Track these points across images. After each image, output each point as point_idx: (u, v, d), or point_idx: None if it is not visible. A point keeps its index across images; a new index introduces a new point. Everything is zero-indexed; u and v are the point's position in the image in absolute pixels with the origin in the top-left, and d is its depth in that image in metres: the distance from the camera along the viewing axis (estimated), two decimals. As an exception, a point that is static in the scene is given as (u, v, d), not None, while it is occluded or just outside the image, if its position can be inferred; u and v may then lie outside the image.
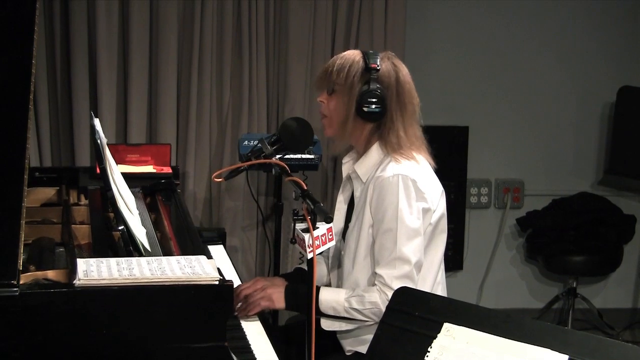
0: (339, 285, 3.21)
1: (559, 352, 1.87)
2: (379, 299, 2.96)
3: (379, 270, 2.98)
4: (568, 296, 5.49)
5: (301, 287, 3.11)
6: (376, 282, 2.98)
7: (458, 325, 2.00)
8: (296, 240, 2.52)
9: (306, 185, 2.56)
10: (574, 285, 5.48)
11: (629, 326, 5.64)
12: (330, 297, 3.03)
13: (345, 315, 3.02)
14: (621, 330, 5.57)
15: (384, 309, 2.92)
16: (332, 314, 3.03)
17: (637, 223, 5.58)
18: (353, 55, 3.10)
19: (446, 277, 3.31)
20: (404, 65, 3.14)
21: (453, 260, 5.41)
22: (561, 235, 5.41)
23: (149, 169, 3.86)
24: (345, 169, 3.25)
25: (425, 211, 3.01)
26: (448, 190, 3.26)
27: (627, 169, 5.39)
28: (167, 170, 3.86)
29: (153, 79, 4.72)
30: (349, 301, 3.01)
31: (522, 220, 5.60)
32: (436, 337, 1.99)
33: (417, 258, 2.99)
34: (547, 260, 5.45)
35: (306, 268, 3.32)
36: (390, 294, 2.90)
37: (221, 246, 3.76)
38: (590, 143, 5.70)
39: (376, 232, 3.00)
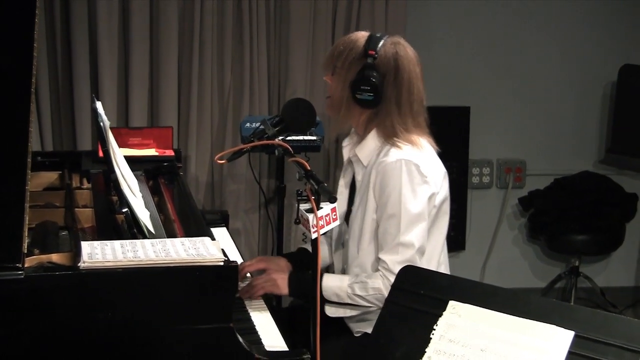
0: (344, 268, 3.21)
1: (565, 328, 1.87)
2: (382, 285, 2.96)
3: (382, 256, 2.98)
4: (571, 275, 5.50)
5: (305, 274, 3.13)
6: (379, 268, 2.98)
7: (463, 302, 2.00)
8: (300, 220, 2.51)
9: (309, 166, 2.56)
10: (577, 264, 5.48)
11: (631, 304, 5.65)
12: (333, 284, 3.03)
13: (349, 301, 3.02)
14: (624, 308, 5.58)
15: (387, 295, 2.95)
16: (336, 301, 3.03)
17: (639, 202, 5.58)
18: (357, 38, 3.08)
19: (449, 257, 3.31)
20: (410, 52, 3.09)
21: (455, 240, 5.41)
22: (563, 215, 5.41)
23: (152, 152, 3.86)
24: (346, 153, 3.24)
25: (429, 195, 3.01)
26: (450, 171, 3.25)
27: (628, 147, 5.38)
28: (170, 153, 3.86)
29: (154, 63, 4.72)
30: (352, 287, 3.01)
31: (524, 200, 5.60)
32: (442, 314, 1.99)
33: (420, 243, 2.99)
34: (549, 239, 5.45)
35: (309, 248, 3.36)
36: (393, 279, 2.91)
37: (224, 228, 3.76)
38: (591, 122, 5.69)
39: (380, 217, 3.00)
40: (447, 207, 3.15)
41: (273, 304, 3.59)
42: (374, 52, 3.00)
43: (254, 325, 2.82)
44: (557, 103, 5.62)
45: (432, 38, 5.33)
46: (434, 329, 1.98)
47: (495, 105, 5.55)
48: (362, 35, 3.09)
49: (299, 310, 3.41)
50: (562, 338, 1.86)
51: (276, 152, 2.90)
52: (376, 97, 3.00)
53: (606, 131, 5.60)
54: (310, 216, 2.44)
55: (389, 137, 3.03)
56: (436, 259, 3.15)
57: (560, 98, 5.62)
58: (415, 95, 3.07)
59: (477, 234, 5.63)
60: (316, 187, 2.47)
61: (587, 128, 5.69)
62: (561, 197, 5.49)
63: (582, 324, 1.88)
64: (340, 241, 3.27)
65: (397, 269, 2.91)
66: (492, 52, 5.48)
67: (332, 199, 2.49)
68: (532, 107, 5.60)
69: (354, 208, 3.14)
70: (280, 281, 3.10)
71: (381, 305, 2.94)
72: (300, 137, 4.18)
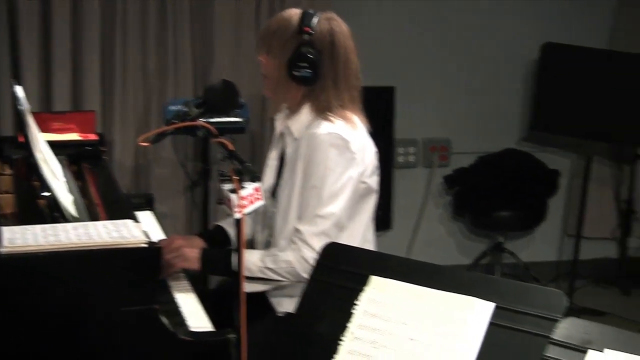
0: (268, 242, 3.21)
1: (486, 300, 1.90)
2: (292, 258, 2.97)
3: (299, 226, 2.98)
4: (495, 251, 5.58)
5: (217, 249, 3.13)
6: (294, 237, 2.98)
7: (386, 277, 2.01)
8: (223, 201, 2.51)
9: (232, 146, 2.55)
10: (501, 241, 5.57)
11: (554, 278, 5.76)
12: (245, 258, 3.03)
13: (260, 275, 3.02)
14: (547, 282, 5.67)
15: (298, 267, 2.96)
16: (248, 275, 3.02)
17: (561, 177, 5.68)
18: (290, 15, 3.08)
19: (377, 237, 3.33)
20: (344, 27, 3.11)
21: (381, 220, 5.44)
22: (487, 192, 5.48)
23: (74, 136, 3.81)
24: (278, 126, 3.24)
25: (355, 172, 3.02)
26: (378, 151, 3.27)
27: (551, 125, 5.47)
28: (93, 137, 3.82)
29: (77, 47, 4.67)
30: (263, 261, 3.01)
31: (449, 178, 5.66)
32: (364, 290, 2.00)
33: (338, 218, 3.00)
34: (474, 216, 5.53)
35: (225, 225, 3.36)
36: (306, 250, 2.93)
37: (150, 212, 3.73)
38: (515, 100, 5.76)
39: (303, 187, 3.01)
40: (375, 186, 3.17)
41: (200, 285, 3.58)
42: (309, 29, 3.00)
43: (179, 307, 2.81)
44: (480, 82, 5.68)
45: (357, 19, 5.32)
46: (357, 305, 1.99)
47: (419, 85, 5.59)
48: (294, 13, 3.09)
49: (226, 291, 3.40)
50: (482, 309, 1.88)
51: (199, 133, 2.88)
52: (314, 73, 3.00)
53: (529, 109, 5.67)
54: (233, 196, 2.43)
55: (323, 111, 3.04)
56: (361, 237, 3.16)
57: (484, 77, 5.68)
58: (351, 70, 3.09)
59: (403, 213, 5.68)
60: (239, 166, 2.46)
61: (510, 106, 5.76)
62: (485, 174, 5.56)
63: (502, 295, 1.90)
64: (266, 215, 3.26)
65: (312, 240, 2.93)
66: (416, 33, 5.51)
67: (256, 179, 2.48)
68: (456, 86, 5.65)
69: (283, 181, 3.14)
70: (191, 255, 3.08)
71: (292, 278, 2.96)
72: (225, 119, 4.17)
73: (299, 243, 2.97)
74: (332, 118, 3.02)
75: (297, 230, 2.99)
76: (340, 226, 3.03)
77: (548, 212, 5.61)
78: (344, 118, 3.05)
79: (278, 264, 2.99)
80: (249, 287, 3.06)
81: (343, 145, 2.98)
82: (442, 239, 5.83)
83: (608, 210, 5.89)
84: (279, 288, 3.09)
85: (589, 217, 5.65)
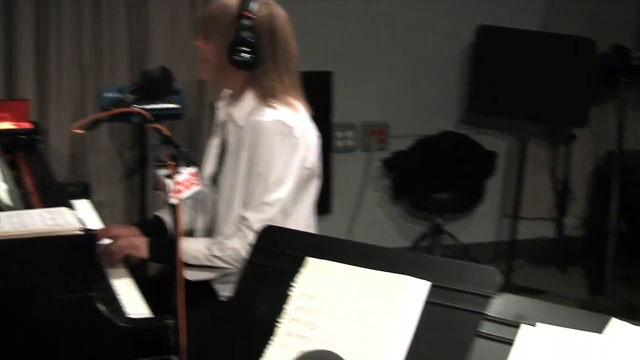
0: (210, 229, 3.21)
1: (422, 278, 1.91)
2: (239, 245, 2.97)
3: (245, 213, 2.99)
4: (434, 233, 5.63)
5: (165, 238, 3.13)
6: (240, 225, 2.99)
7: (322, 259, 2.02)
8: (159, 186, 2.50)
9: (168, 132, 2.54)
10: (440, 223, 5.61)
11: (493, 258, 5.81)
12: (191, 246, 3.03)
13: (207, 263, 3.02)
14: (486, 263, 5.67)
15: (245, 255, 2.95)
16: (194, 263, 3.02)
17: (497, 159, 5.73)
18: (228, 0, 3.08)
19: (318, 221, 3.34)
20: (282, 12, 3.13)
21: (321, 204, 5.42)
22: (425, 175, 5.53)
23: (8, 125, 3.76)
24: (221, 114, 3.24)
25: (300, 158, 3.04)
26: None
27: (487, 107, 5.52)
28: (27, 126, 3.77)
29: (10, 35, 4.60)
30: (210, 249, 3.01)
31: (388, 161, 5.68)
32: (301, 272, 2.01)
33: (284, 204, 3.01)
34: (412, 199, 5.57)
35: (163, 215, 3.34)
36: (252, 237, 2.91)
37: (87, 200, 3.70)
38: (451, 83, 5.80)
39: (248, 175, 3.01)
40: (317, 171, 3.19)
41: (138, 272, 3.56)
42: (248, 14, 3.00)
43: (116, 294, 2.80)
44: (417, 65, 5.71)
45: (293, 4, 5.32)
46: (293, 287, 2.00)
47: (357, 69, 5.60)
48: None
49: (165, 278, 3.39)
50: (418, 288, 1.90)
51: (135, 119, 2.87)
52: (254, 58, 3.00)
53: (466, 92, 5.71)
54: (169, 181, 2.42)
55: (266, 97, 3.05)
56: (305, 222, 3.18)
57: (420, 61, 5.71)
58: (291, 54, 3.10)
59: (343, 197, 5.69)
60: (174, 151, 2.45)
61: (447, 89, 5.80)
62: (423, 157, 5.60)
63: (437, 274, 1.92)
64: (207, 202, 3.25)
65: (258, 227, 2.93)
66: (353, 17, 5.52)
67: (192, 164, 2.48)
68: (393, 70, 5.67)
69: (225, 168, 3.13)
70: (140, 244, 3.08)
71: (239, 266, 2.94)
72: (161, 106, 4.13)
73: (245, 230, 2.97)
74: (275, 104, 3.03)
75: (243, 218, 2.99)
76: (285, 212, 3.04)
77: (486, 193, 5.67)
78: (287, 104, 3.06)
79: (225, 251, 3.00)
80: (195, 276, 3.06)
81: (287, 132, 2.99)
82: (381, 222, 5.86)
83: (545, 190, 5.96)
84: (225, 275, 3.08)
85: (526, 197, 5.71)
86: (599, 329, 1.62)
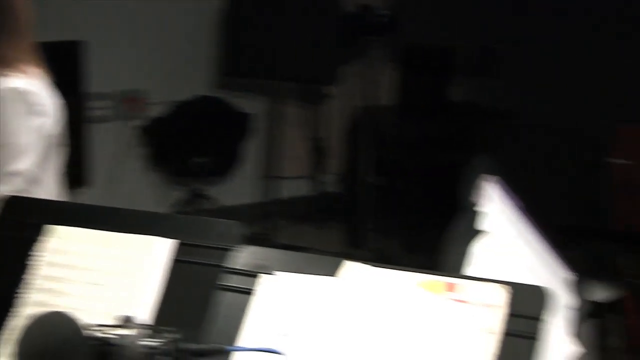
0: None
1: (169, 237, 1.94)
2: None
3: (-8, 186, 2.92)
4: (195, 198, 5.66)
5: None
6: None
7: (67, 225, 2.01)
8: None
9: None
10: (201, 187, 5.65)
11: (256, 219, 5.91)
12: None
13: None
14: (250, 225, 5.82)
15: None
16: None
17: (253, 120, 5.82)
18: None
19: (73, 195, 3.30)
20: None
21: (77, 176, 5.37)
22: (183, 140, 5.55)
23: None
24: None
25: (42, 125, 2.98)
26: (67, 106, 3.22)
27: (242, 69, 5.59)
28: None
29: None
30: None
31: (145, 129, 5.66)
32: (46, 240, 1.99)
33: (32, 173, 2.96)
34: (171, 166, 5.59)
35: None
36: (1, 211, 2.87)
37: None
38: (206, 47, 5.83)
39: (-9, 148, 2.94)
40: (62, 139, 3.14)
41: None
42: None
43: None
44: (172, 31, 5.72)
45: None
46: (39, 256, 1.98)
47: (110, 37, 5.54)
48: None
49: None
50: (162, 247, 1.92)
51: None
52: None
53: (221, 55, 5.76)
54: None
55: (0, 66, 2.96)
56: (56, 192, 3.13)
57: (174, 26, 5.72)
58: (22, 20, 3.01)
59: (101, 168, 5.63)
60: None
61: (202, 54, 5.83)
62: (180, 123, 5.62)
63: (183, 231, 1.95)
64: None
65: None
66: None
67: None
68: (148, 37, 5.65)
69: None
70: None
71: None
72: None
73: None
74: (10, 73, 2.96)
75: None
76: (35, 181, 2.98)
77: (245, 155, 5.75)
78: (24, 72, 2.99)
79: None
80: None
81: (24, 100, 2.93)
82: (142, 191, 5.84)
83: (302, 149, 6.11)
84: None
85: (285, 157, 5.83)
86: (333, 271, 1.71)
